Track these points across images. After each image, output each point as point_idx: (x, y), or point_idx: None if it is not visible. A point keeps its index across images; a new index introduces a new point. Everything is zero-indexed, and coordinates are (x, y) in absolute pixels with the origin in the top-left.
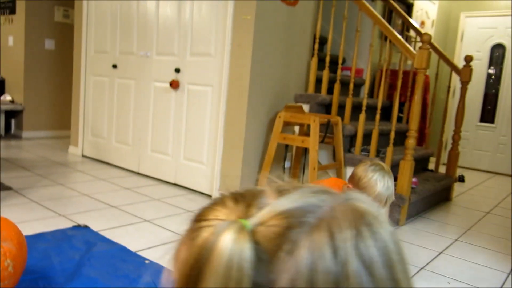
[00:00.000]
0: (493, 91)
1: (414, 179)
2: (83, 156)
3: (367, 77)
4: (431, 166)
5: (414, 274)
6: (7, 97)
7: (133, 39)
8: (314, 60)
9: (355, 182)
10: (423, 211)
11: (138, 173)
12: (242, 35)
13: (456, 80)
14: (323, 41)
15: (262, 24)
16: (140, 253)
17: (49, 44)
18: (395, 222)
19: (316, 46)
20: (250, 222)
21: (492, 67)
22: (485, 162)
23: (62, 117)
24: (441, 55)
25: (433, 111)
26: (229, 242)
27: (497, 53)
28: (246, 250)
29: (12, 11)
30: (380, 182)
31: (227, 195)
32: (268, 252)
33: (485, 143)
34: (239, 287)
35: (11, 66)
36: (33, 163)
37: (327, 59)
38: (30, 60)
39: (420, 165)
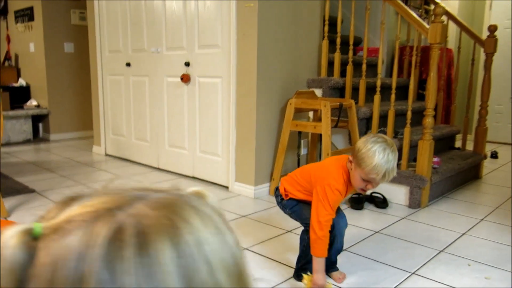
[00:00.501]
0: None
1: (436, 159)
2: (106, 155)
3: (379, 56)
4: (459, 144)
5: (432, 258)
6: (33, 102)
7: (144, 36)
8: (325, 43)
9: (355, 153)
10: (448, 191)
11: (158, 169)
12: (246, 23)
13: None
14: (335, 23)
15: (266, 10)
16: None
17: (68, 47)
18: (416, 204)
19: (326, 28)
20: (42, 226)
21: None
22: None
23: (86, 118)
24: (462, 27)
25: (456, 87)
26: (7, 245)
27: None
28: (18, 253)
29: (31, 18)
30: (379, 154)
31: (66, 197)
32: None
33: None
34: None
35: (34, 72)
36: (58, 164)
37: (338, 40)
38: (52, 64)
39: (446, 144)
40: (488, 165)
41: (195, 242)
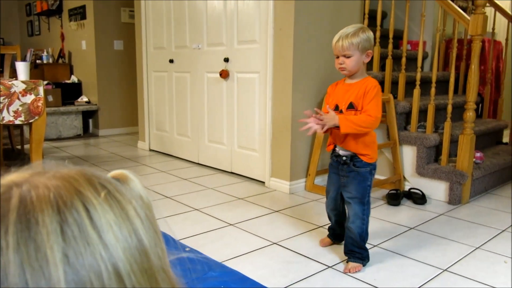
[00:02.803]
0: None
1: (478, 154)
2: (150, 150)
3: (419, 49)
4: (507, 139)
5: (467, 255)
6: (84, 99)
7: (186, 33)
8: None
9: None
10: (492, 187)
11: (198, 164)
12: (283, 18)
13: None
14: (376, 16)
15: (303, 4)
16: (183, 241)
17: (118, 45)
18: (457, 200)
19: (366, 22)
20: None
21: None
22: None
23: (133, 114)
24: (511, 18)
25: (504, 80)
26: None
27: None
28: None
29: (83, 16)
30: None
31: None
32: None
33: None
34: None
35: (86, 69)
36: (104, 159)
37: (378, 34)
38: (102, 61)
39: (493, 139)
40: None
41: (82, 209)
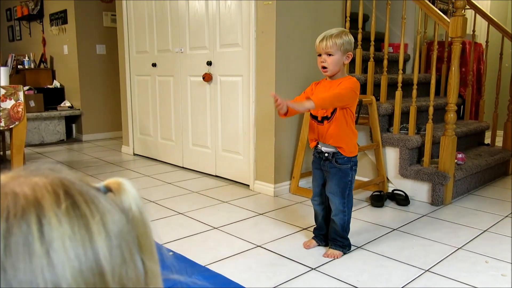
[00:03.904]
0: None
1: (460, 155)
2: (134, 154)
3: (400, 51)
4: (489, 140)
5: (448, 255)
6: (67, 104)
7: (168, 37)
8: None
9: None
10: (474, 188)
11: (183, 168)
12: (265, 21)
13: None
14: (357, 19)
15: (285, 8)
16: (167, 245)
17: (100, 49)
18: (439, 201)
19: (347, 24)
20: None
21: None
22: None
23: (117, 119)
24: (490, 21)
25: (485, 82)
26: None
27: None
28: None
29: (65, 21)
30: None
31: None
32: None
33: None
34: None
35: (68, 74)
36: (87, 164)
37: (359, 36)
38: (84, 66)
39: (475, 140)
40: None
41: (34, 221)
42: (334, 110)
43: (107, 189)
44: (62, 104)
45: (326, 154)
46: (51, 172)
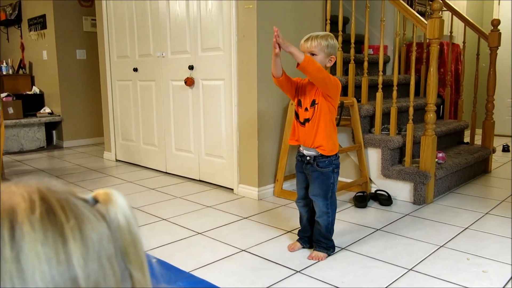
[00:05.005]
0: None
1: (440, 154)
2: (116, 160)
3: (380, 53)
4: (468, 139)
5: (431, 254)
6: (46, 110)
7: (150, 42)
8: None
9: None
10: (455, 186)
11: (166, 173)
12: (246, 25)
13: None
14: (340, 21)
15: (266, 11)
16: (150, 252)
17: (81, 54)
18: (421, 200)
19: (328, 27)
20: None
21: None
22: None
23: (98, 124)
24: (466, 22)
25: (463, 82)
26: None
27: None
28: None
29: (44, 26)
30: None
31: None
32: None
33: None
34: None
35: (48, 79)
36: (68, 171)
37: (340, 39)
38: (64, 71)
39: (455, 139)
40: (498, 158)
41: (7, 226)
42: (314, 112)
43: (95, 200)
44: (41, 111)
45: (307, 158)
46: (35, 182)
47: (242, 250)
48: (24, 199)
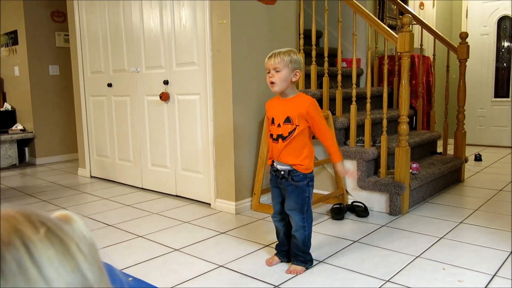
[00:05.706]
0: (504, 64)
1: (414, 165)
2: (91, 177)
3: (353, 66)
4: (441, 149)
5: (407, 264)
6: (19, 126)
7: (124, 57)
8: (301, 56)
9: None
10: (429, 196)
11: (142, 189)
12: (220, 40)
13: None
14: (313, 35)
15: (240, 26)
16: (126, 270)
17: (53, 70)
18: (397, 211)
19: (301, 41)
20: None
21: (506, 40)
22: (505, 137)
23: (72, 141)
24: (436, 35)
25: (434, 93)
26: None
27: (504, 25)
28: None
29: (15, 42)
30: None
31: None
32: None
33: (503, 118)
34: None
35: (20, 96)
36: (42, 189)
37: (313, 53)
38: (37, 87)
39: (428, 149)
40: (471, 168)
41: (21, 246)
42: (293, 130)
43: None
44: (13, 127)
45: (282, 172)
46: (8, 207)
47: (220, 266)
48: (25, 221)
